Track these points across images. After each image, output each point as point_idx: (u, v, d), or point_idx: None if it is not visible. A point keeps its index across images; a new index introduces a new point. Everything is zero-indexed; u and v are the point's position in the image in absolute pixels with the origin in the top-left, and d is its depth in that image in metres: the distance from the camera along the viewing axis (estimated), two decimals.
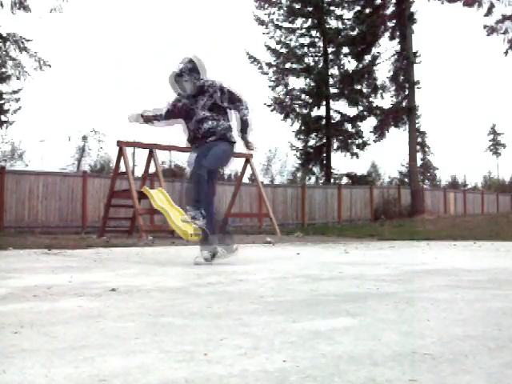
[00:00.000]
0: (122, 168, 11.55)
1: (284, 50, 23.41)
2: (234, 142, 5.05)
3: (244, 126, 4.98)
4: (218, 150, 4.90)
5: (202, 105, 4.92)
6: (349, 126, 23.75)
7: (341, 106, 23.73)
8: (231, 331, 1.86)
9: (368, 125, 23.27)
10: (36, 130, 61.26)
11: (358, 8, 22.91)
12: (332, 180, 23.16)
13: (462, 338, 1.74)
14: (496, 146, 67.44)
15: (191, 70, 4.96)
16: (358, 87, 23.09)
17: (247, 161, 13.22)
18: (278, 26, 23.44)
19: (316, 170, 24.77)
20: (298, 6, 23.28)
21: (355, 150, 23.54)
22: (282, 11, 23.40)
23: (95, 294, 2.82)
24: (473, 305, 2.44)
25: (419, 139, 27.31)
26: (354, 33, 22.93)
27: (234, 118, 5.08)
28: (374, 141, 22.92)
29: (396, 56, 21.89)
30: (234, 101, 4.96)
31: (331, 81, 23.60)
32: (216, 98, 4.92)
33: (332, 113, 23.56)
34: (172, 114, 5.20)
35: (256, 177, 14.06)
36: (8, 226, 13.07)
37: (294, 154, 24.61)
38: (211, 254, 4.89)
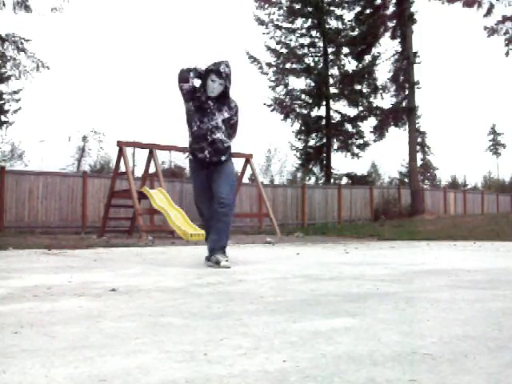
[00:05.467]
0: (122, 168, 11.55)
1: (284, 50, 23.40)
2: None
3: None
4: (232, 178, 4.91)
5: (224, 118, 4.78)
6: (349, 126, 23.76)
7: (341, 106, 23.76)
8: (231, 331, 1.86)
9: (368, 125, 23.30)
10: (36, 130, 61.25)
11: (358, 8, 22.91)
12: (332, 180, 23.16)
13: (462, 338, 1.74)
14: (496, 146, 67.42)
15: (228, 74, 4.72)
16: (358, 87, 23.08)
17: (247, 161, 13.22)
18: (277, 26, 23.44)
19: (316, 170, 24.77)
20: (298, 6, 23.27)
21: (355, 150, 23.55)
22: (282, 11, 23.40)
23: (95, 293, 2.82)
24: (473, 305, 2.44)
25: (419, 139, 27.31)
26: (354, 33, 22.94)
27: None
28: (374, 141, 22.93)
29: (396, 56, 21.88)
30: (233, 132, 4.96)
31: (331, 81, 23.60)
32: (230, 115, 4.85)
33: (332, 113, 23.57)
34: (192, 91, 4.84)
35: (256, 177, 14.05)
36: (8, 226, 13.06)
37: (294, 154, 24.64)
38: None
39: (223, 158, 4.81)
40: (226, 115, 4.81)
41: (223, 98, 4.80)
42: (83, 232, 13.25)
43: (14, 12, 16.92)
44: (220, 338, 1.75)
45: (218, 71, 4.69)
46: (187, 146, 5.00)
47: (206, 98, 4.77)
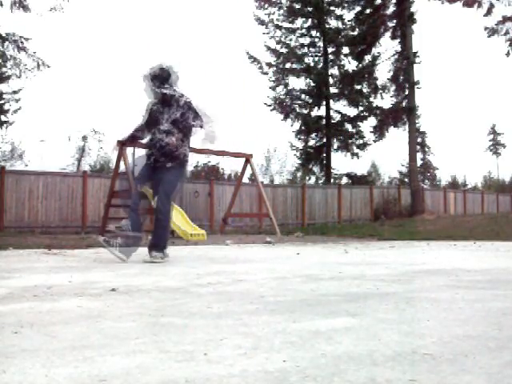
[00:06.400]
0: (122, 168, 11.53)
1: (284, 50, 23.40)
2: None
3: (211, 139, 5.09)
4: (175, 182, 5.01)
5: (167, 117, 4.92)
6: (349, 126, 23.76)
7: (341, 106, 23.75)
8: (231, 331, 1.86)
9: (368, 125, 23.30)
10: (36, 130, 61.18)
11: (358, 8, 22.90)
12: (332, 180, 23.15)
13: (462, 338, 1.74)
14: (496, 146, 67.40)
15: (155, 76, 4.91)
16: (358, 87, 23.08)
17: (247, 161, 13.21)
18: (278, 26, 23.44)
19: (316, 169, 24.77)
20: (298, 6, 23.27)
21: (355, 150, 23.54)
22: (282, 11, 23.40)
23: (95, 293, 2.82)
24: (473, 305, 2.44)
25: (419, 139, 27.29)
26: (354, 33, 22.93)
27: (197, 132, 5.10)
28: (374, 141, 22.93)
29: (396, 56, 21.87)
30: (199, 118, 4.97)
31: (331, 81, 23.60)
32: (181, 113, 4.91)
33: (332, 113, 23.56)
34: (147, 127, 5.18)
35: (256, 177, 14.05)
36: (8, 226, 13.05)
37: (294, 154, 24.64)
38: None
39: (169, 165, 4.91)
40: (167, 115, 4.90)
41: (162, 98, 4.93)
42: (83, 232, 13.24)
43: (11, 11, 16.91)
44: (220, 338, 1.75)
45: (145, 76, 4.94)
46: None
47: (153, 107, 5.00)
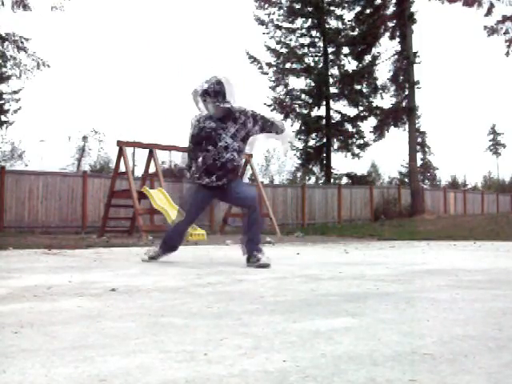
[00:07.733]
0: (122, 168, 11.54)
1: (284, 50, 23.41)
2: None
3: (281, 126, 4.91)
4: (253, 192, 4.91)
5: (232, 133, 4.66)
6: (349, 126, 23.76)
7: (341, 106, 23.76)
8: (231, 331, 1.86)
9: (368, 125, 23.31)
10: (36, 130, 61.29)
11: (358, 8, 22.91)
12: (332, 180, 23.16)
13: (462, 337, 1.74)
14: (496, 146, 67.39)
15: (217, 92, 4.59)
16: (358, 87, 23.08)
17: (247, 161, 13.21)
18: (278, 26, 23.44)
19: (316, 169, 24.78)
20: (298, 6, 23.27)
21: (355, 150, 23.55)
22: (282, 11, 23.41)
23: (95, 293, 2.82)
24: (473, 305, 2.44)
25: (419, 139, 27.27)
26: (354, 33, 22.94)
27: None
28: (374, 141, 22.93)
29: (396, 56, 21.88)
30: (266, 125, 4.78)
31: (331, 81, 23.60)
32: (249, 127, 4.71)
33: (332, 113, 23.56)
34: (197, 146, 4.79)
35: (256, 177, 14.05)
36: (8, 225, 13.06)
37: (294, 154, 24.65)
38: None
39: (234, 179, 4.73)
40: (232, 130, 4.67)
41: (223, 114, 4.67)
42: (83, 232, 13.24)
43: (13, 11, 16.92)
44: (220, 338, 1.75)
45: (206, 91, 4.63)
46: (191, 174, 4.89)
47: (208, 123, 4.70)
